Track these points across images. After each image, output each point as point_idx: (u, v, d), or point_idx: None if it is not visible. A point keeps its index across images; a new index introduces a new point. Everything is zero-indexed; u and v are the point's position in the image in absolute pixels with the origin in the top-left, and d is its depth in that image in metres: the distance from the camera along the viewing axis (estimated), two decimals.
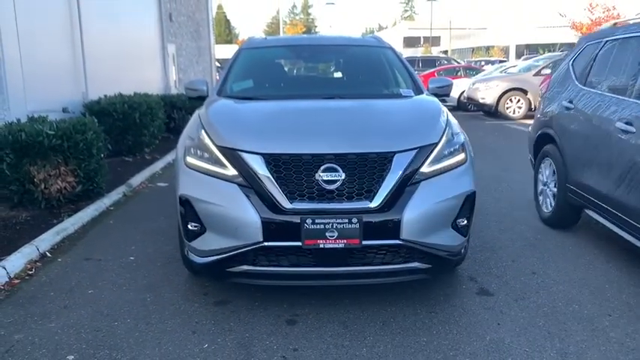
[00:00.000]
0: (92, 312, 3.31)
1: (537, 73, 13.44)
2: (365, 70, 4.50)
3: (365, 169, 3.00)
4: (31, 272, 3.94)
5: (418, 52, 68.34)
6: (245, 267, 3.09)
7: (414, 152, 3.09)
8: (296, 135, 3.22)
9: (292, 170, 2.99)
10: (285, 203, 2.94)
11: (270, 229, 2.92)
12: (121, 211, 5.66)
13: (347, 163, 2.99)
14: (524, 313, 3.23)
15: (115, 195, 6.03)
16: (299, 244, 2.93)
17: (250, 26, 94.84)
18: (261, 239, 2.94)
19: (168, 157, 8.57)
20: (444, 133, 3.28)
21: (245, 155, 3.06)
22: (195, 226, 3.15)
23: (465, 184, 3.21)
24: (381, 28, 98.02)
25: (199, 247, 3.17)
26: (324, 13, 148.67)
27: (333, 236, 2.91)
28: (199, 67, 18.03)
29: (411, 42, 66.61)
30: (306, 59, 4.66)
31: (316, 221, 2.90)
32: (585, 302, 3.36)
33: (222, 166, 3.11)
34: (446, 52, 54.65)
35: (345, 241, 2.92)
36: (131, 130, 7.95)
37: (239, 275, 3.16)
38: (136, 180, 6.83)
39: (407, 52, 61.19)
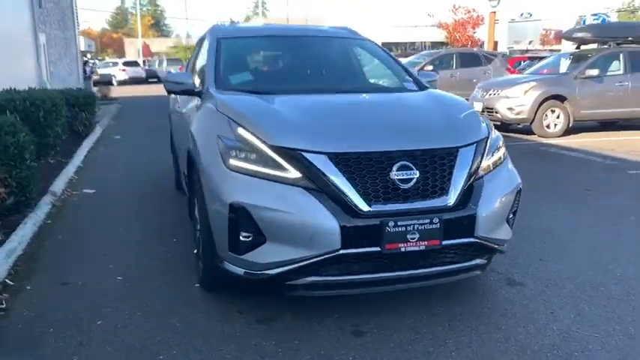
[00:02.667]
0: (121, 347, 2.77)
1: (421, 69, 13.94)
2: (357, 62, 4.35)
3: (435, 166, 2.87)
4: (1, 306, 3.21)
5: None
6: (312, 278, 2.80)
7: (473, 147, 3.03)
8: (357, 132, 2.98)
9: (364, 170, 2.76)
10: (363, 206, 2.70)
11: (349, 236, 2.67)
12: (62, 224, 4.87)
13: (418, 160, 2.84)
14: (565, 299, 3.33)
15: (45, 206, 5.17)
16: (378, 249, 2.72)
17: (94, 16, 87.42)
18: (339, 247, 2.67)
19: (77, 161, 7.60)
20: (488, 127, 3.27)
21: (308, 155, 2.76)
22: (248, 237, 2.78)
23: (515, 177, 3.22)
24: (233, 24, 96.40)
25: (255, 260, 2.80)
26: (174, 5, 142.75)
27: (414, 238, 2.74)
28: (67, 60, 16.30)
29: None
30: (294, 51, 4.36)
31: (398, 224, 2.71)
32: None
33: (281, 168, 2.78)
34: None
35: (425, 242, 2.76)
36: (35, 131, 6.87)
37: (301, 288, 2.86)
38: (57, 187, 5.93)
39: None
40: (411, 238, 2.73)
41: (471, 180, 2.94)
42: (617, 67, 10.75)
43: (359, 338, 2.87)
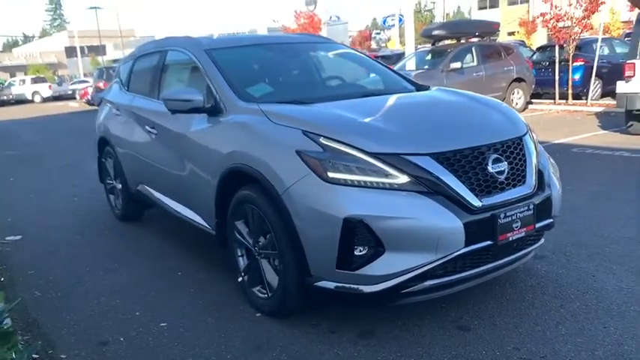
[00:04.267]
0: None
1: None
2: (353, 66, 4.33)
3: (514, 155, 3.01)
4: None
5: (87, 61, 63.98)
6: (429, 282, 2.76)
7: (529, 134, 3.24)
8: (444, 131, 2.99)
9: (466, 167, 2.80)
10: (475, 202, 2.74)
11: (470, 233, 2.69)
12: (28, 279, 4.05)
13: (501, 151, 2.96)
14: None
15: None
16: (492, 241, 2.78)
17: None
18: (463, 245, 2.68)
19: None
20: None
21: (412, 158, 2.72)
22: (364, 250, 2.65)
23: (546, 157, 3.46)
24: (27, 39, 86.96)
25: (372, 273, 2.67)
26: None
27: (517, 226, 2.85)
28: None
29: (71, 52, 61.83)
30: (292, 58, 4.16)
31: (507, 214, 2.80)
32: None
33: (387, 174, 2.69)
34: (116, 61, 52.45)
35: (525, 229, 2.90)
36: None
37: (416, 294, 2.80)
38: None
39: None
40: (515, 227, 2.84)
41: (537, 165, 3.15)
42: (470, 59, 12.07)
43: (464, 332, 2.92)
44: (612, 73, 13.42)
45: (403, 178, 2.69)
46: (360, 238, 2.63)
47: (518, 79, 12.61)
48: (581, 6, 12.38)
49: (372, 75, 4.33)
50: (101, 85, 20.68)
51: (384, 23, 39.16)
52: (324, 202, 2.69)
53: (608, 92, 13.64)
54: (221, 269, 3.88)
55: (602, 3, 12.39)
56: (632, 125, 8.63)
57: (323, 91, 3.90)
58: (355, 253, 2.66)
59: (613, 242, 4.10)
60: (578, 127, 10.06)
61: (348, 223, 2.62)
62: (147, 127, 4.32)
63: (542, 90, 14.01)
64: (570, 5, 12.46)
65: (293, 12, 21.26)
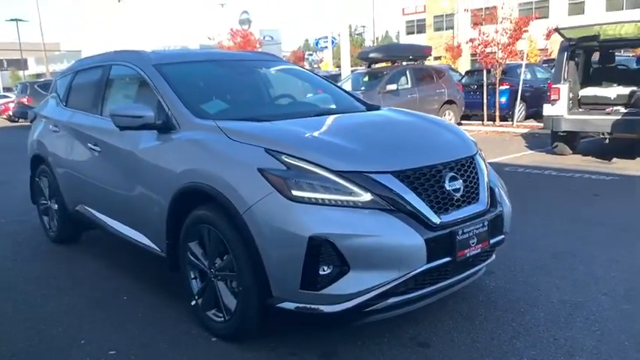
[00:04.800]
0: None
1: None
2: (306, 86, 4.33)
3: (468, 173, 3.10)
4: None
5: (6, 75, 60.80)
6: (392, 300, 2.78)
7: (478, 153, 3.35)
8: (403, 150, 3.04)
9: (425, 185, 2.86)
10: (435, 219, 2.79)
11: (431, 249, 2.73)
12: None
13: (457, 170, 3.04)
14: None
15: None
16: (451, 258, 2.83)
17: None
18: (425, 262, 2.72)
19: None
20: None
21: (375, 176, 2.75)
22: (328, 270, 2.63)
23: (495, 176, 3.59)
24: None
25: (336, 293, 2.65)
26: None
27: (474, 243, 2.93)
28: None
29: None
30: (243, 76, 4.09)
31: (465, 231, 2.87)
32: None
33: (351, 192, 2.70)
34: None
35: (480, 245, 2.98)
36: None
37: (378, 312, 2.81)
38: None
39: None
40: (472, 243, 2.92)
41: (489, 182, 3.26)
42: (405, 81, 12.45)
43: (424, 348, 2.95)
44: (535, 96, 14.28)
45: (367, 196, 2.70)
46: (325, 257, 2.61)
47: (450, 102, 13.12)
48: (507, 33, 13.11)
49: (324, 94, 4.36)
50: (25, 100, 19.66)
51: (317, 45, 39.80)
52: (289, 220, 2.65)
53: (532, 114, 14.48)
54: (170, 292, 3.73)
55: (525, 31, 13.18)
56: (557, 146, 9.16)
57: (278, 109, 3.89)
58: (320, 272, 2.63)
59: (552, 257, 4.30)
60: (508, 147, 10.56)
61: (313, 242, 2.59)
62: (89, 145, 4.12)
63: (471, 112, 14.66)
64: (497, 32, 13.16)
65: (229, 30, 21.12)
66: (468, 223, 2.91)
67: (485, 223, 3.00)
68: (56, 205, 4.86)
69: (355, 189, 2.70)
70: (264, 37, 45.78)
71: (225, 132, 3.06)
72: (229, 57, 4.64)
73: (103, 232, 4.29)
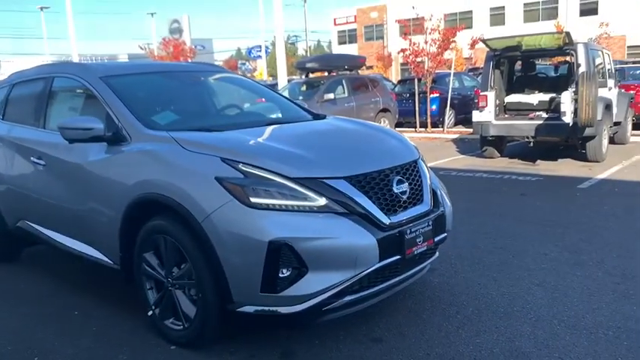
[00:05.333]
0: None
1: None
2: (254, 96, 4.44)
3: (412, 177, 3.31)
4: None
5: None
6: (348, 298, 2.93)
7: (420, 158, 3.58)
8: (351, 156, 3.20)
9: (375, 189, 3.03)
10: (385, 220, 2.97)
11: (383, 248, 2.90)
12: None
13: (402, 174, 3.24)
14: None
15: None
16: (400, 256, 3.02)
17: None
18: (378, 260, 2.89)
19: None
20: None
21: (330, 182, 2.90)
22: (287, 272, 2.75)
23: (436, 179, 3.84)
24: None
25: (296, 294, 2.78)
26: None
27: (420, 241, 3.13)
28: None
29: None
30: (190, 87, 4.13)
31: (412, 230, 3.07)
32: None
33: (307, 198, 2.84)
34: None
35: (426, 243, 3.19)
36: None
37: (336, 310, 2.95)
38: None
39: None
40: (419, 241, 3.13)
41: (431, 185, 3.49)
42: (342, 90, 12.75)
43: (377, 344, 3.13)
44: (463, 103, 15.00)
45: (322, 201, 2.85)
46: (284, 260, 2.73)
47: (384, 109, 13.55)
48: (436, 43, 13.72)
49: (271, 103, 4.48)
50: None
51: (250, 54, 39.76)
52: (248, 226, 2.75)
53: (460, 121, 15.18)
54: (122, 305, 3.72)
55: (452, 42, 13.84)
56: (486, 150, 9.70)
57: (228, 119, 3.97)
58: (280, 275, 2.74)
59: (489, 253, 4.61)
60: (440, 152, 11.05)
61: (272, 246, 2.70)
62: (32, 159, 4.04)
63: (404, 119, 15.17)
64: (427, 43, 13.73)
65: (161, 39, 20.80)
66: (414, 223, 3.11)
67: (430, 223, 3.22)
68: None
69: (311, 194, 2.84)
70: (195, 47, 45.20)
71: (179, 142, 3.12)
72: (175, 68, 4.68)
73: (49, 247, 4.20)
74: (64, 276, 4.43)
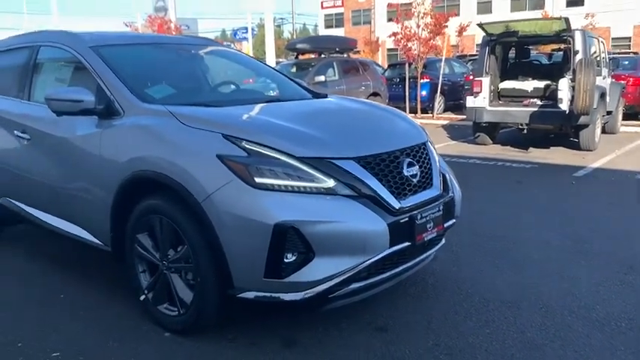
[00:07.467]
0: None
1: None
2: (253, 73, 4.23)
3: (422, 160, 3.15)
4: None
5: None
6: (355, 285, 2.77)
7: (428, 140, 3.43)
8: (362, 137, 3.02)
9: (385, 170, 2.87)
10: (395, 204, 2.81)
11: (393, 234, 2.75)
12: None
13: (412, 156, 3.08)
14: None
15: None
16: (410, 242, 2.87)
17: None
18: (388, 246, 2.73)
19: None
20: None
21: (339, 162, 2.73)
22: (293, 257, 2.59)
23: (445, 162, 3.70)
24: None
25: (302, 280, 2.61)
26: None
27: (430, 227, 2.99)
28: None
29: None
30: (187, 61, 3.90)
31: (423, 215, 2.92)
32: None
33: (314, 179, 2.66)
34: None
35: (436, 229, 3.04)
36: None
37: (342, 298, 2.80)
38: None
39: None
40: (429, 227, 2.98)
41: (440, 168, 3.34)
42: (332, 73, 12.52)
43: (383, 333, 2.99)
44: (453, 90, 14.88)
45: (330, 182, 2.68)
46: (290, 244, 2.56)
47: (375, 94, 13.33)
48: (428, 28, 13.53)
49: (270, 80, 4.28)
50: None
51: (235, 35, 39.13)
52: (252, 208, 2.57)
53: (450, 107, 15.08)
54: (113, 288, 3.53)
55: (445, 27, 13.66)
56: (479, 136, 9.60)
57: (226, 95, 3.76)
58: (285, 260, 2.58)
59: (489, 239, 4.50)
60: (431, 138, 10.88)
61: (278, 229, 2.53)
62: (15, 132, 3.80)
63: (394, 104, 14.99)
64: (419, 27, 13.54)
65: (146, 17, 20.27)
66: (424, 208, 2.96)
67: (440, 208, 3.07)
68: None
69: (318, 175, 2.67)
70: (180, 26, 44.29)
71: (177, 117, 2.92)
72: (170, 41, 4.44)
73: (33, 226, 3.97)
74: (48, 257, 4.21)
